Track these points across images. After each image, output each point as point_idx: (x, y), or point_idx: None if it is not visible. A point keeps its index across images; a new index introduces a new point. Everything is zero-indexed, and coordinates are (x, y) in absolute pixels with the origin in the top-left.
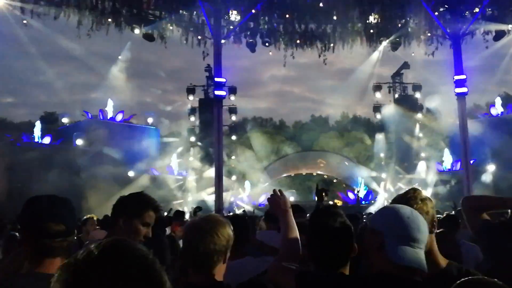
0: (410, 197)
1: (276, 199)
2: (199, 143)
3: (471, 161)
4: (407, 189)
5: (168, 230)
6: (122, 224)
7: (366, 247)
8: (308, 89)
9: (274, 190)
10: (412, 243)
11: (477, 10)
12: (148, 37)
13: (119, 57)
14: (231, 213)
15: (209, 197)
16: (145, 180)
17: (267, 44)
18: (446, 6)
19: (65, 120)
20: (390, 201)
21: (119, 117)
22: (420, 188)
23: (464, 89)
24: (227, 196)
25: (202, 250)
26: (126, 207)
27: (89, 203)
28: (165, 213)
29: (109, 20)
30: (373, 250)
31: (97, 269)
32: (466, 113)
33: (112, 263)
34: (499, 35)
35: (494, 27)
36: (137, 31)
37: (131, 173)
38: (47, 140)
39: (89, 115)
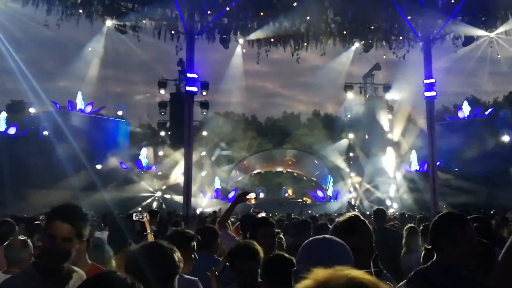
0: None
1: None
2: (169, 138)
3: (438, 163)
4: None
5: None
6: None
7: None
8: (281, 85)
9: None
10: None
11: (448, 16)
12: (120, 30)
13: (89, 48)
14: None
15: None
16: (114, 176)
17: (240, 41)
18: (419, 10)
19: (32, 110)
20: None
21: (88, 109)
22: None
23: (432, 93)
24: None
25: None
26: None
27: (50, 197)
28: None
29: (80, 11)
30: None
31: None
32: (434, 116)
33: None
34: (468, 40)
35: (464, 32)
36: (108, 22)
37: (99, 166)
38: (12, 130)
39: (58, 105)
